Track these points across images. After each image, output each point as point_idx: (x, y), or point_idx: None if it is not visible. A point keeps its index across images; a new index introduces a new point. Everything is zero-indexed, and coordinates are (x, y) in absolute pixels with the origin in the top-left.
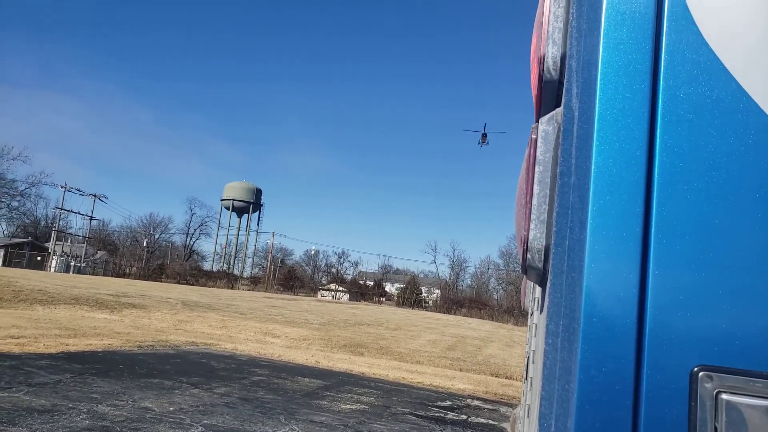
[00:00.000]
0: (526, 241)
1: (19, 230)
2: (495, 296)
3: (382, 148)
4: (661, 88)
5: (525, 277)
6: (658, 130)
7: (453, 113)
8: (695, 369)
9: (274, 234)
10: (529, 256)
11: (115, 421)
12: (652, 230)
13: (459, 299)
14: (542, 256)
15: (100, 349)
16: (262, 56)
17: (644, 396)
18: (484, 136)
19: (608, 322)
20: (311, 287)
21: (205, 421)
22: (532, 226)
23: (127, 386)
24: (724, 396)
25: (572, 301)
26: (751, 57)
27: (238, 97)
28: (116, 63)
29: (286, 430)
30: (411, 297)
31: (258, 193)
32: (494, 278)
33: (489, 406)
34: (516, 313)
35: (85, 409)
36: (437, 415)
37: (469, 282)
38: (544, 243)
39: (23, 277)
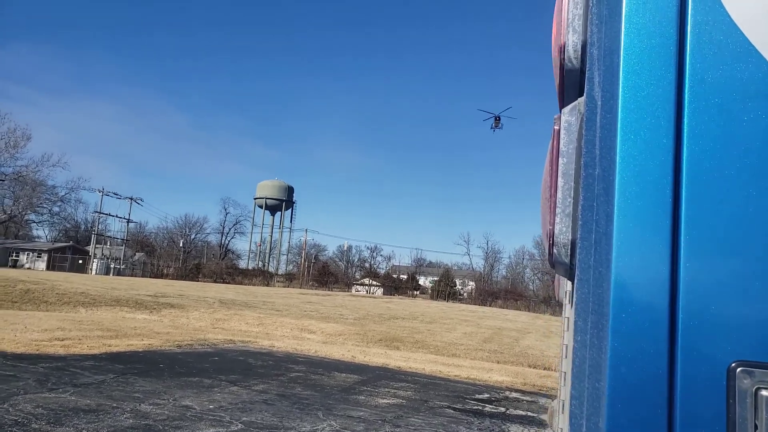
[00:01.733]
0: (551, 236)
1: (60, 235)
2: (531, 286)
3: (413, 142)
4: (687, 72)
5: None
6: (686, 117)
7: (485, 103)
8: (732, 365)
9: (306, 231)
10: (555, 251)
11: (158, 420)
12: (682, 221)
13: (494, 291)
14: (569, 250)
15: (141, 349)
16: (293, 53)
17: (679, 394)
18: (498, 119)
19: (638, 317)
20: (345, 282)
21: (245, 418)
22: (557, 220)
23: (168, 385)
24: (764, 392)
25: (600, 296)
26: None
27: (269, 96)
28: (149, 66)
29: (324, 425)
30: (445, 290)
31: (290, 190)
32: (529, 268)
33: (527, 398)
34: (553, 303)
35: (128, 409)
36: (475, 407)
37: (504, 273)
38: (570, 237)
39: (66, 280)
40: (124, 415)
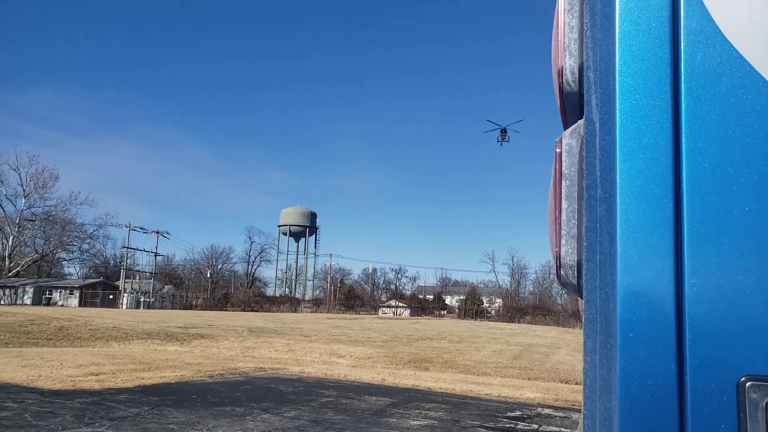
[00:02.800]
0: (558, 257)
1: (91, 271)
2: (559, 301)
3: (433, 162)
4: (683, 91)
5: None
6: (683, 135)
7: (506, 120)
8: (742, 379)
9: (331, 255)
10: (562, 272)
11: None
12: (685, 239)
13: (522, 307)
14: (575, 271)
15: (173, 381)
16: (311, 80)
17: (690, 411)
18: (504, 132)
19: (646, 336)
20: (371, 305)
21: None
22: (563, 242)
23: (201, 415)
24: None
25: (607, 317)
26: None
27: (289, 124)
28: (168, 101)
29: None
30: (472, 308)
31: (313, 216)
32: (556, 283)
33: (560, 414)
34: (581, 319)
35: None
36: (507, 426)
37: (531, 288)
38: (575, 258)
39: (98, 315)
40: None
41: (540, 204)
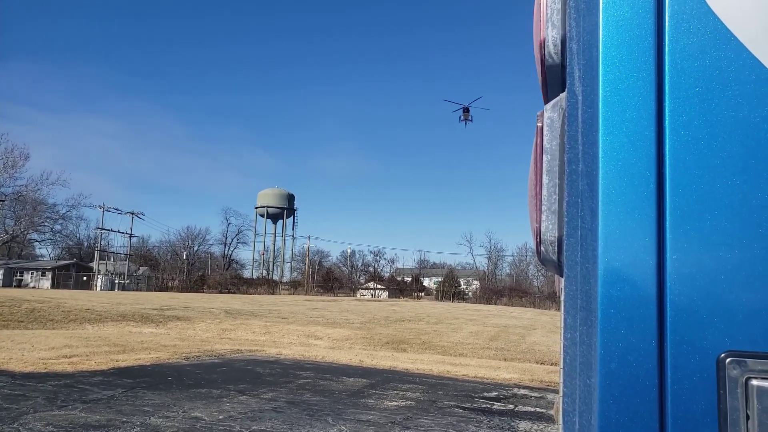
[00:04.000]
0: (538, 233)
1: (64, 252)
2: (535, 283)
3: (410, 144)
4: (667, 63)
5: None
6: (667, 108)
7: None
8: (722, 355)
9: (309, 237)
10: (542, 248)
11: None
12: (667, 213)
13: (499, 289)
14: (555, 247)
15: (148, 363)
16: (290, 61)
17: (669, 387)
18: (467, 111)
19: (626, 312)
20: (350, 287)
21: (255, 427)
22: (543, 217)
23: (177, 397)
24: (754, 382)
25: (588, 292)
26: (760, 22)
27: (267, 105)
28: (146, 81)
29: (334, 430)
30: (450, 290)
31: (291, 198)
32: (533, 265)
33: (536, 394)
34: (558, 299)
35: (138, 423)
36: (484, 406)
37: (508, 271)
38: (556, 234)
39: (71, 297)
40: (134, 430)
41: (517, 186)
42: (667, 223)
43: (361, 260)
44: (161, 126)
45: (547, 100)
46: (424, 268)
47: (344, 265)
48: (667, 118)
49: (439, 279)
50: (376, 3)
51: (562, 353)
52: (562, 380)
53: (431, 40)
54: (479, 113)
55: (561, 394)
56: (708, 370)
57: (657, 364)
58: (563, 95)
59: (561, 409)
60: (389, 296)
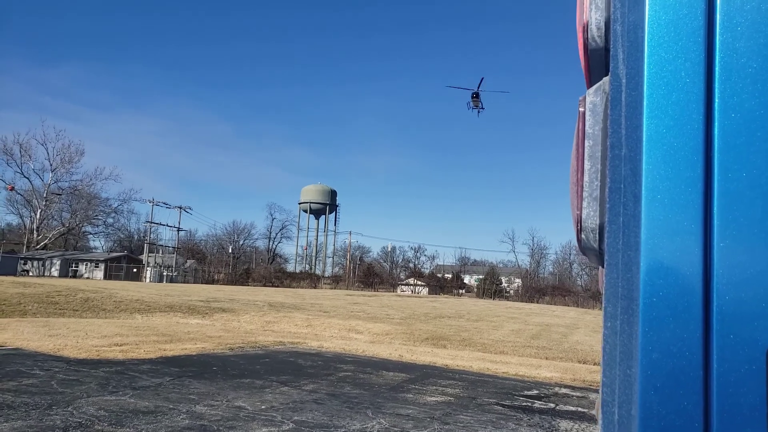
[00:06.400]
0: (579, 221)
1: (115, 245)
2: (579, 282)
3: (454, 142)
4: (717, 42)
5: None
6: (716, 90)
7: (520, 103)
8: None
9: (351, 233)
10: (583, 236)
11: (212, 420)
12: (715, 200)
13: (541, 287)
14: (597, 235)
15: (194, 353)
16: (335, 57)
17: (715, 379)
18: (476, 96)
19: (670, 301)
20: (390, 283)
21: (296, 418)
22: (584, 204)
23: (221, 387)
24: None
25: (630, 281)
26: None
27: (312, 101)
28: (192, 78)
29: (374, 423)
30: (491, 288)
31: (333, 194)
32: (577, 263)
33: (578, 394)
34: (601, 299)
35: (184, 410)
36: (524, 404)
37: (551, 269)
38: (597, 221)
39: (122, 288)
40: (181, 416)
41: (560, 185)
42: (715, 209)
43: (402, 256)
44: (207, 122)
45: (590, 85)
46: (465, 265)
47: (385, 261)
48: (716, 101)
49: (480, 276)
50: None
51: (602, 343)
52: (600, 372)
53: (477, 36)
54: (521, 105)
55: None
56: (756, 362)
57: (702, 355)
58: (606, 79)
59: (600, 401)
60: (429, 293)
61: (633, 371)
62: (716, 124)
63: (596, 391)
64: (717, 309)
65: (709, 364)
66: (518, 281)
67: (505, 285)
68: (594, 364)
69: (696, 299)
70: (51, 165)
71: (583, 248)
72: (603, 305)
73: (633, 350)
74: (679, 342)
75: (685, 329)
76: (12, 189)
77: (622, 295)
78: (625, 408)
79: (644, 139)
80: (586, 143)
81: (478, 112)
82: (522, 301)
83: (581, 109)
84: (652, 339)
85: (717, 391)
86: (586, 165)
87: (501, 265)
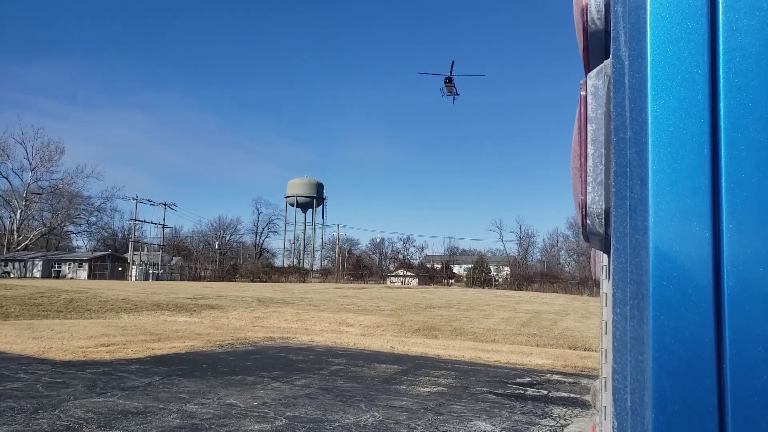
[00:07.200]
0: (584, 206)
1: (99, 244)
2: (567, 269)
3: (438, 131)
4: (720, 21)
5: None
6: (721, 68)
7: (509, 91)
8: None
9: (339, 226)
10: (588, 221)
11: (204, 419)
12: (722, 181)
13: (530, 275)
14: (602, 220)
15: (183, 351)
16: (319, 50)
17: (729, 362)
18: (449, 81)
19: (681, 284)
20: (380, 275)
21: (288, 413)
22: (589, 189)
23: (212, 384)
24: None
25: (639, 265)
26: None
27: (297, 94)
28: (176, 73)
29: (368, 416)
30: (480, 277)
31: (320, 187)
32: (564, 250)
33: (569, 380)
34: (590, 284)
35: (174, 409)
36: (517, 392)
37: (539, 257)
38: (603, 206)
39: (108, 287)
40: (171, 416)
41: (547, 172)
42: (723, 190)
43: (391, 248)
44: (191, 117)
45: (588, 70)
46: (454, 254)
47: (374, 253)
48: (721, 79)
49: (469, 266)
50: None
51: (605, 333)
52: (604, 361)
53: (461, 27)
54: (507, 92)
55: (601, 376)
56: None
57: (714, 339)
58: (608, 62)
59: (600, 392)
60: (419, 283)
61: (645, 357)
62: (722, 104)
63: (588, 376)
64: (728, 291)
65: (722, 348)
66: (507, 269)
67: (494, 274)
68: (584, 350)
69: (707, 282)
70: (30, 164)
71: (588, 233)
72: (610, 290)
73: (644, 335)
74: (691, 326)
75: (696, 313)
76: None
77: (631, 279)
78: (638, 394)
79: (649, 121)
80: (589, 127)
81: (453, 98)
82: (511, 289)
83: (583, 93)
84: (664, 324)
85: (731, 375)
86: (590, 149)
87: (489, 254)
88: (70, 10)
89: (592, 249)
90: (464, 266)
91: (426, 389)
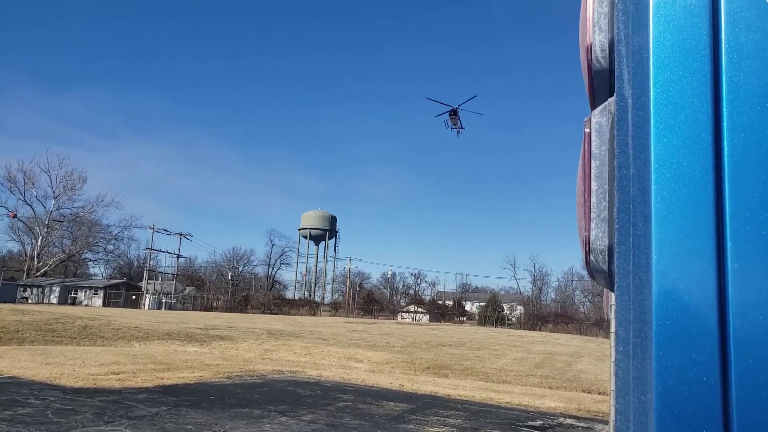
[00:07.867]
0: (587, 242)
1: (115, 272)
2: (581, 309)
3: (454, 168)
4: (723, 62)
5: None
6: (724, 109)
7: (524, 128)
8: None
9: (350, 259)
10: (592, 258)
11: None
12: (727, 219)
13: (543, 315)
14: (606, 257)
15: (192, 382)
16: (335, 80)
17: (735, 405)
18: (454, 114)
19: (684, 324)
20: (390, 310)
21: None
22: (592, 225)
23: (219, 416)
24: None
25: (642, 303)
26: None
27: (311, 125)
28: (195, 107)
29: None
30: (492, 315)
31: (333, 220)
32: (579, 290)
33: (583, 424)
34: (605, 326)
35: None
36: None
37: (553, 296)
38: (606, 243)
39: (120, 315)
40: None
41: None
42: (728, 228)
43: (402, 283)
44: (207, 147)
45: (593, 106)
46: (466, 291)
47: (385, 288)
48: (725, 119)
49: (482, 303)
50: (428, 13)
51: (613, 368)
52: (614, 398)
53: (476, 62)
54: (522, 130)
55: (612, 414)
56: None
57: (719, 381)
58: (612, 99)
59: (612, 429)
60: (430, 320)
61: (648, 397)
62: (725, 143)
63: (602, 421)
64: (734, 332)
65: (728, 392)
66: (520, 308)
67: (507, 312)
68: (599, 394)
69: (711, 322)
70: (54, 192)
71: (592, 270)
72: (614, 328)
73: (647, 375)
74: (695, 367)
75: (701, 353)
76: (14, 216)
77: (634, 318)
78: None
79: (652, 159)
80: (593, 164)
81: (458, 132)
82: (524, 329)
83: (587, 130)
84: (667, 364)
85: (737, 417)
86: (593, 185)
87: (503, 292)
88: (97, 44)
89: (605, 289)
90: (476, 304)
91: (435, 429)
